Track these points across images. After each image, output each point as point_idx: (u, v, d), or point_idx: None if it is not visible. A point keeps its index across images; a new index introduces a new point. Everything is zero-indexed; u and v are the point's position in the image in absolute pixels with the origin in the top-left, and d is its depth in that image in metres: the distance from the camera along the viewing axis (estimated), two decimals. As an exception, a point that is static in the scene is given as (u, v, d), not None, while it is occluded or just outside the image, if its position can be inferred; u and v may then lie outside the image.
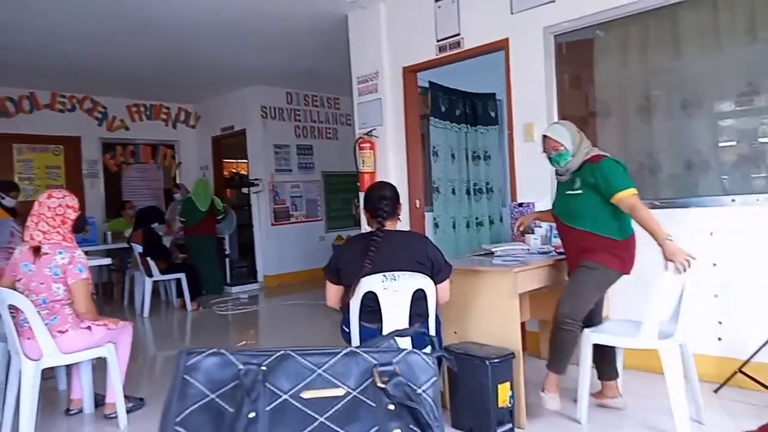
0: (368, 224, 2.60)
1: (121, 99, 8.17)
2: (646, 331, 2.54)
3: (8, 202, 5.52)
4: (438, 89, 4.96)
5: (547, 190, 3.62)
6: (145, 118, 8.52)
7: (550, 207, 3.14)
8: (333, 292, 2.56)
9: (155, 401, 3.28)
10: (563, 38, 3.77)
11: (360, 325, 2.43)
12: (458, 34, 4.32)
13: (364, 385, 0.93)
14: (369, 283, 2.35)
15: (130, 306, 6.69)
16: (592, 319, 2.82)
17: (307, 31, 5.51)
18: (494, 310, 2.81)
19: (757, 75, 3.13)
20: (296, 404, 0.90)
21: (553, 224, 3.19)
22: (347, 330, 2.49)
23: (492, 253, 3.24)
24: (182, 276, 6.32)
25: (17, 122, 7.30)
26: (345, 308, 2.52)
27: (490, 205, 5.51)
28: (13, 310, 2.74)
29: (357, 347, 0.97)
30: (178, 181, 8.60)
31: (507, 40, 4.01)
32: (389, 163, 4.84)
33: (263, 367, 0.91)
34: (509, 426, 2.61)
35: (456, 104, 5.15)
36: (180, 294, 6.39)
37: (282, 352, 0.94)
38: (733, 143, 3.30)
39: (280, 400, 0.90)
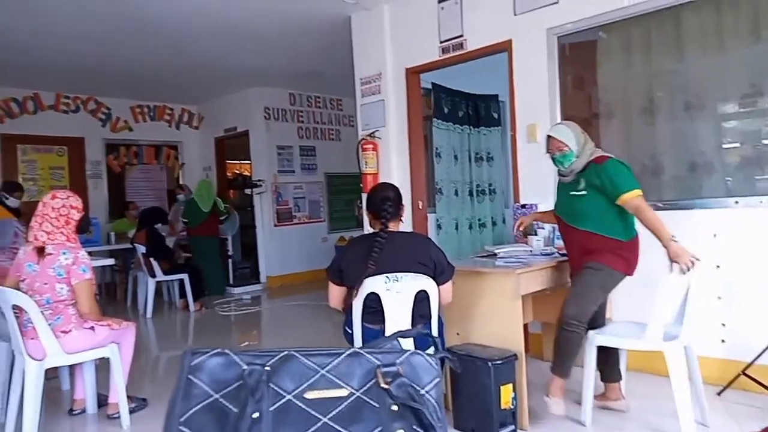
0: (371, 225, 2.60)
1: (124, 100, 8.19)
2: (651, 333, 2.53)
3: (12, 202, 5.55)
4: (441, 90, 4.95)
5: (550, 191, 3.60)
6: (148, 119, 8.54)
7: (550, 208, 3.14)
8: (336, 293, 2.56)
9: (158, 401, 3.28)
10: (566, 40, 3.77)
11: (363, 326, 2.43)
12: (461, 36, 4.32)
13: (368, 385, 0.93)
14: (372, 284, 2.35)
15: (133, 306, 6.71)
16: (596, 321, 2.81)
17: (310, 32, 5.50)
18: (497, 312, 2.81)
19: (760, 76, 3.12)
20: (300, 404, 0.91)
21: (555, 225, 3.18)
22: (350, 331, 2.49)
23: (495, 254, 3.24)
24: (185, 277, 6.33)
25: (21, 123, 7.32)
26: (348, 309, 2.52)
27: (493, 206, 5.50)
28: (17, 310, 2.74)
29: (360, 348, 0.97)
30: (181, 182, 8.61)
31: (510, 41, 4.01)
32: (392, 164, 4.84)
33: (267, 368, 0.92)
34: (512, 428, 2.61)
35: (459, 105, 5.15)
36: (183, 295, 6.40)
37: (286, 352, 0.94)
38: (737, 145, 3.29)
39: (283, 400, 0.91)
